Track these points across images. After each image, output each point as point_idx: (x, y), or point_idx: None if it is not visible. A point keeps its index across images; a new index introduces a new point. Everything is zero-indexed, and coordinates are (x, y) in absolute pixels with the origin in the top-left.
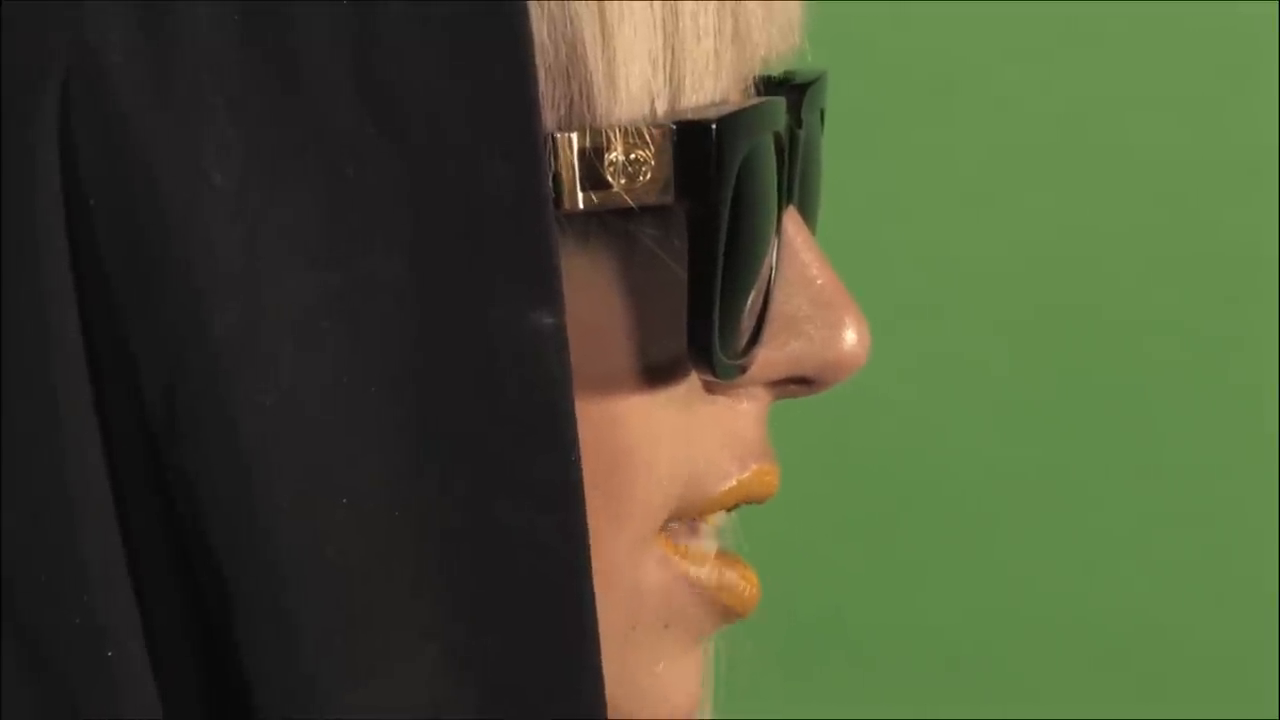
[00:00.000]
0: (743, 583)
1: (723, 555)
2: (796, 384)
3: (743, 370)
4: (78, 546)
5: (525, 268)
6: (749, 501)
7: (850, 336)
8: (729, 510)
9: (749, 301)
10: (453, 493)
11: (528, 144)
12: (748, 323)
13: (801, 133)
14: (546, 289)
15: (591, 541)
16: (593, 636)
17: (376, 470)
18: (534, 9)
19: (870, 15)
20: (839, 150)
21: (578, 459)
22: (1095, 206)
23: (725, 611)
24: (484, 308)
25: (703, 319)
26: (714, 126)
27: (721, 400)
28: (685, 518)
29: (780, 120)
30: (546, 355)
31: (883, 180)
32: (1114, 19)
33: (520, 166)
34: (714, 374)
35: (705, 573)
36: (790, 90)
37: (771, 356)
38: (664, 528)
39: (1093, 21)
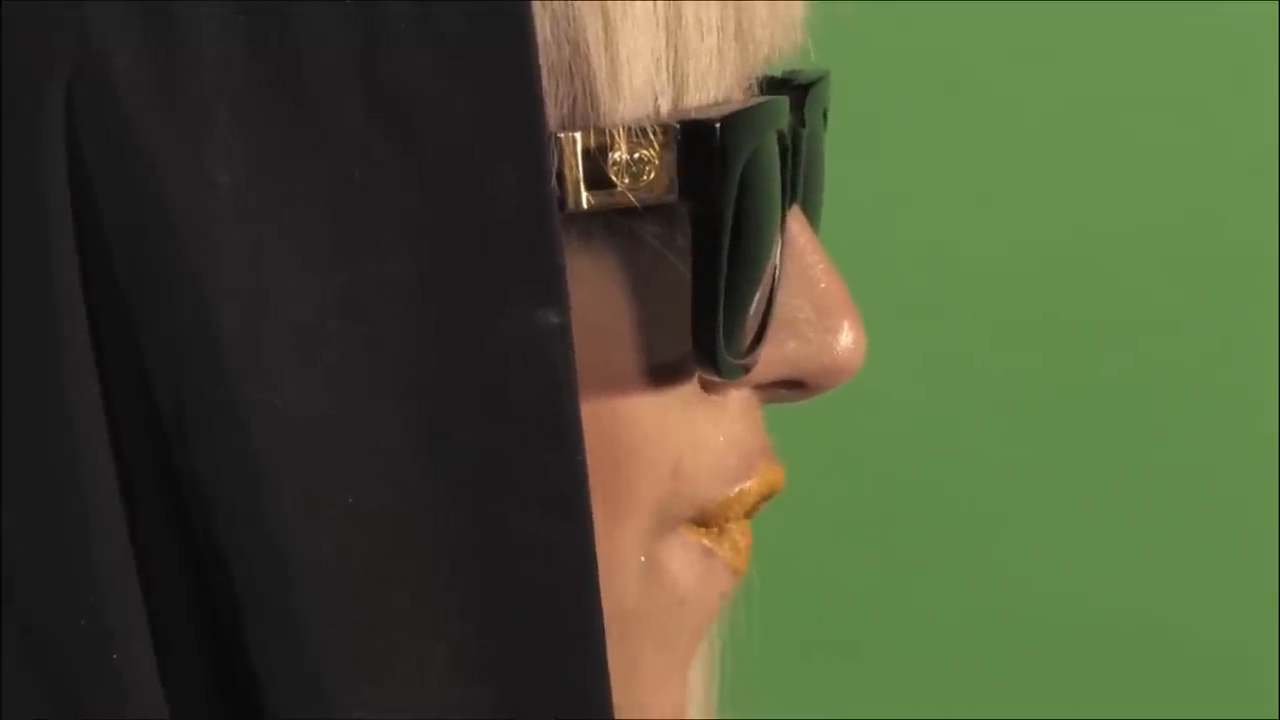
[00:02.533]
0: (741, 540)
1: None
2: (788, 388)
3: (746, 370)
4: (86, 548)
5: (530, 266)
6: (760, 502)
7: (846, 341)
8: (747, 514)
9: (754, 301)
10: (458, 495)
11: (532, 142)
12: (752, 323)
13: (805, 132)
14: (551, 287)
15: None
16: (599, 638)
17: (383, 472)
18: (537, 7)
19: (872, 15)
20: (841, 150)
21: (583, 460)
22: (1096, 206)
23: (734, 574)
24: (490, 307)
25: (707, 318)
26: (718, 125)
27: (718, 402)
28: (706, 523)
29: (784, 119)
30: (552, 354)
31: (884, 180)
32: (1112, 19)
33: (524, 166)
34: (719, 373)
35: (712, 546)
36: (793, 90)
37: (769, 356)
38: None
39: (1091, 22)
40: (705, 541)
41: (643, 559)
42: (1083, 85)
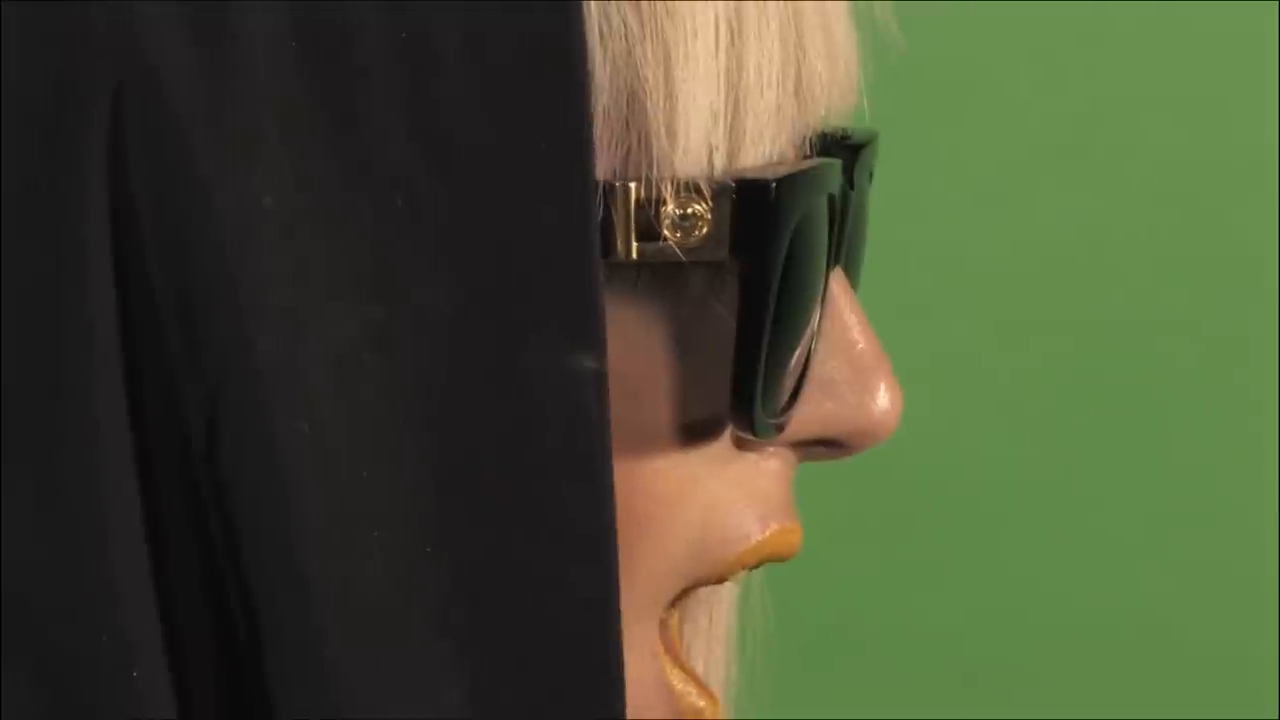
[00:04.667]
0: (707, 714)
1: (698, 681)
2: (825, 446)
3: (780, 430)
4: (108, 564)
5: (566, 309)
6: (769, 560)
7: (883, 403)
8: (749, 569)
9: (792, 360)
10: (482, 531)
11: (578, 188)
12: (789, 381)
13: (853, 194)
14: (588, 332)
15: None
16: (620, 685)
17: (407, 504)
18: (597, 52)
19: (875, 16)
20: None
21: (612, 504)
22: (1097, 207)
23: None
24: (523, 348)
25: (747, 376)
26: (773, 186)
27: (749, 459)
28: (702, 585)
29: (835, 182)
30: (586, 399)
31: (887, 181)
32: (1113, 19)
33: (568, 210)
34: (754, 432)
35: (682, 688)
36: (844, 150)
37: (805, 416)
38: (675, 603)
39: (1092, 22)
40: (672, 680)
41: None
42: (1084, 85)
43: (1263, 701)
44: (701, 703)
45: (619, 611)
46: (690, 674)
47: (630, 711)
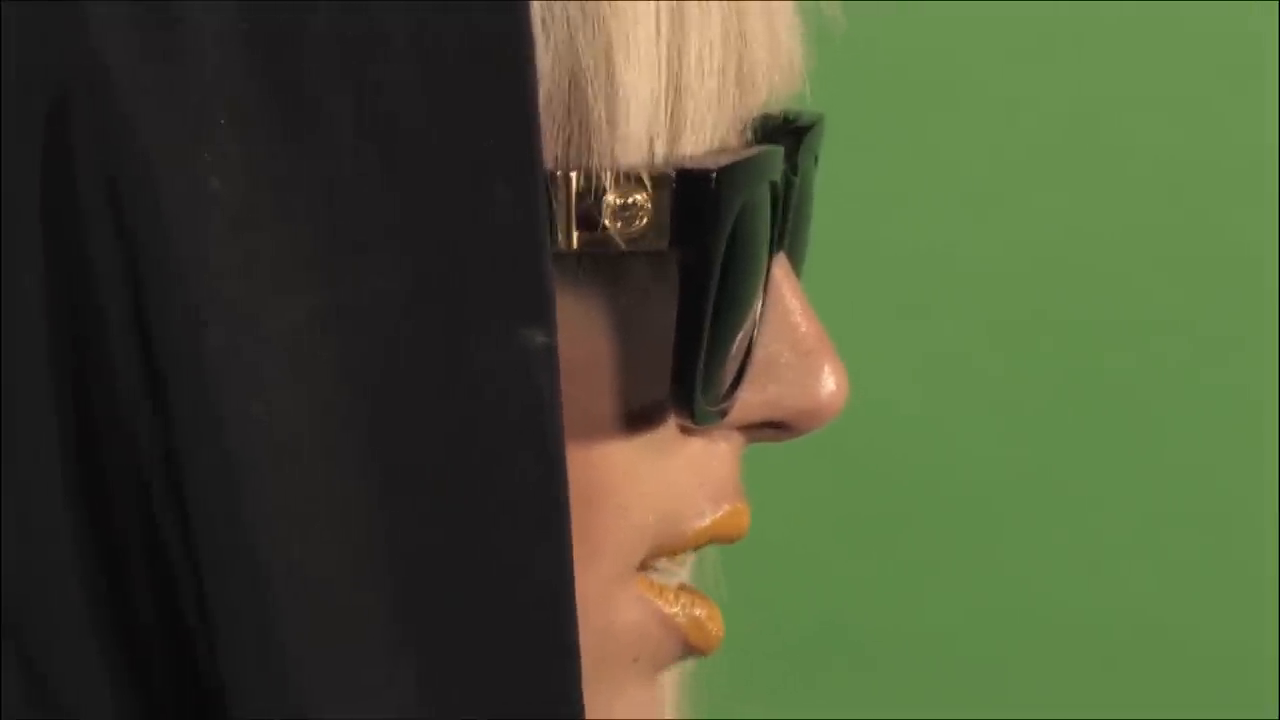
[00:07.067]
0: (709, 623)
1: (690, 591)
2: (772, 428)
3: (722, 416)
4: (61, 550)
5: (517, 286)
6: (719, 541)
7: (828, 384)
8: (697, 548)
9: (734, 348)
10: (437, 512)
11: (526, 168)
12: (730, 368)
13: (796, 180)
14: (538, 307)
15: None
16: (574, 658)
17: (359, 488)
18: (539, 39)
19: (871, 14)
20: (839, 150)
21: (565, 482)
22: (1094, 207)
23: (689, 648)
24: (472, 329)
25: (688, 364)
26: (714, 176)
27: (697, 441)
28: (661, 555)
29: (778, 169)
30: (537, 374)
31: (882, 181)
32: (1112, 19)
33: (517, 190)
34: (693, 420)
35: (678, 610)
36: (787, 135)
37: (749, 400)
38: (643, 566)
39: (1090, 21)
40: (664, 608)
41: (600, 608)
42: (1082, 85)
43: (1263, 701)
44: (699, 611)
45: (574, 592)
46: (676, 591)
47: (646, 655)
